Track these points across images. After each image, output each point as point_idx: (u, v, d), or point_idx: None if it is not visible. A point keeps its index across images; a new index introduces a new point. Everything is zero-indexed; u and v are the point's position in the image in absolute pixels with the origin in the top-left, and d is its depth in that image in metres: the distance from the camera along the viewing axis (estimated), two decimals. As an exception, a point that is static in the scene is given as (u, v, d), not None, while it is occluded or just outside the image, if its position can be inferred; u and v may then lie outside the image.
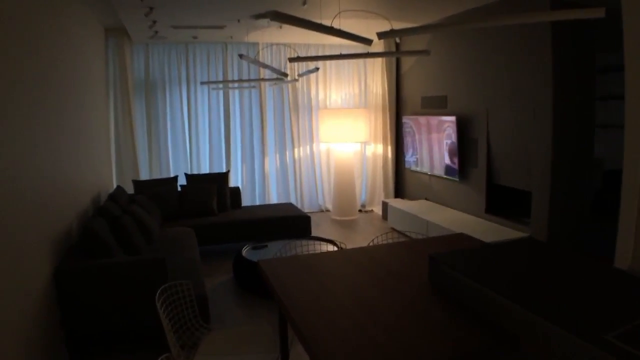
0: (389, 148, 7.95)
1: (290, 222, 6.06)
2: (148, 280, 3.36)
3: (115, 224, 4.01)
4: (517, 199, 5.98)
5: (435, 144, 6.68)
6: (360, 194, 8.33)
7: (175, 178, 6.28)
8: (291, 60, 3.68)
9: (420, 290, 2.47)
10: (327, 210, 8.27)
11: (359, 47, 7.79)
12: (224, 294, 4.69)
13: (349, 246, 6.05)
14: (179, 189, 6.24)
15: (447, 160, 6.48)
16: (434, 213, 6.46)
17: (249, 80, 6.10)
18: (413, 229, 6.46)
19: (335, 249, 4.99)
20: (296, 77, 6.76)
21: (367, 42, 3.44)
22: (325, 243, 5.20)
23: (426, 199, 7.35)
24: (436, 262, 2.50)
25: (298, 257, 3.10)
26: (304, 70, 5.71)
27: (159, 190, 5.98)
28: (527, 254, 2.76)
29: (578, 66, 5.10)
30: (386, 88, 7.82)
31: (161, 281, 3.34)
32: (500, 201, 6.10)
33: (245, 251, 5.04)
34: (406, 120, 7.38)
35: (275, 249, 5.08)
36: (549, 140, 5.11)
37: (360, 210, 8.22)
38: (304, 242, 5.30)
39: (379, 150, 8.14)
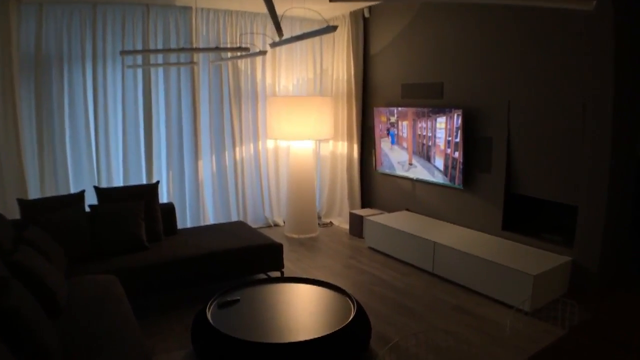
0: (355, 146, 6.42)
1: (254, 254, 4.32)
2: None
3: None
4: (544, 214, 4.75)
5: (424, 142, 5.26)
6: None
7: (81, 195, 4.24)
8: None
9: None
10: (276, 225, 6.58)
11: (327, 17, 6.18)
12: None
13: (337, 280, 4.47)
14: (88, 209, 4.23)
15: (445, 163, 5.09)
16: (432, 230, 5.05)
17: (200, 50, 4.15)
18: (407, 252, 5.01)
19: (348, 300, 3.38)
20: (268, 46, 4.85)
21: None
22: (326, 289, 3.56)
23: (407, 209, 5.93)
24: None
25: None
26: (285, 36, 3.69)
27: (59, 215, 3.93)
28: None
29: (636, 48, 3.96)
30: (352, 73, 6.26)
31: None
32: (521, 216, 4.85)
33: (210, 311, 3.26)
34: (380, 113, 5.89)
35: (250, 303, 3.35)
36: (607, 143, 3.92)
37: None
38: (289, 286, 3.62)
39: (340, 149, 6.58)
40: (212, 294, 4.19)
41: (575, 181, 4.15)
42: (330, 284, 3.63)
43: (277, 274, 4.51)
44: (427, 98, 5.44)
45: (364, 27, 6.27)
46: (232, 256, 4.18)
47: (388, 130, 5.76)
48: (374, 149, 6.16)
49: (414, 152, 5.42)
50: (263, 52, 4.22)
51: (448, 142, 5.00)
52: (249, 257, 4.27)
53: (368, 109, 6.39)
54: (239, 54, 4.72)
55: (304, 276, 4.67)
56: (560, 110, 4.19)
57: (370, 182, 6.54)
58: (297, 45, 6.43)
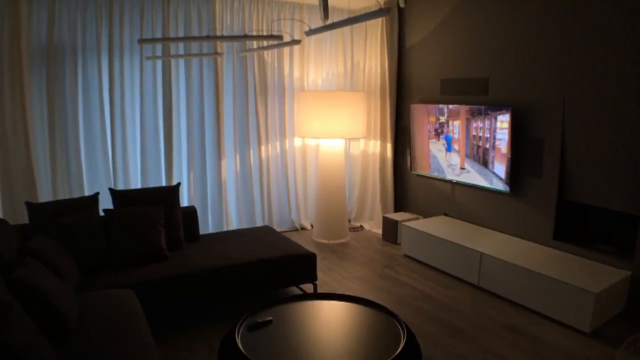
0: (389, 146, 5.99)
1: (285, 265, 3.92)
2: None
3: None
4: (597, 223, 4.28)
5: (480, 144, 4.81)
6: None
7: (95, 198, 3.87)
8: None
9: None
10: (303, 229, 6.18)
11: (355, 9, 5.79)
12: None
13: (375, 293, 3.93)
14: (102, 213, 3.87)
15: (491, 165, 4.64)
16: (476, 239, 4.61)
17: (227, 38, 3.75)
18: (449, 262, 4.58)
19: (395, 322, 2.97)
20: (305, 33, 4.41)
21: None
22: (370, 308, 3.15)
23: (445, 214, 5.49)
24: None
25: None
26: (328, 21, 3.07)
27: (70, 220, 3.59)
28: None
29: None
30: (386, 67, 5.82)
31: None
32: (572, 224, 4.39)
33: (239, 335, 2.87)
34: (428, 111, 5.43)
35: (284, 325, 2.95)
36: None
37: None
38: (327, 305, 3.22)
39: (372, 148, 6.16)
40: (239, 309, 3.83)
41: (638, 188, 3.69)
42: (374, 302, 3.21)
43: (309, 286, 4.12)
44: (471, 95, 4.99)
45: (399, 17, 5.82)
46: (261, 268, 3.79)
47: (437, 131, 5.26)
48: (409, 148, 5.72)
49: (466, 156, 4.95)
50: (296, 42, 3.81)
51: (494, 143, 4.54)
52: (280, 268, 3.87)
53: (402, 106, 5.95)
54: (266, 43, 4.32)
55: (338, 288, 4.30)
56: (622, 108, 3.72)
57: (404, 184, 6.10)
58: (327, 36, 6.01)
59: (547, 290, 3.73)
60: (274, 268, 3.84)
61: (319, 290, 4.15)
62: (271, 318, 3.04)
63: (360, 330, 2.92)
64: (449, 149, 5.12)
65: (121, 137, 4.95)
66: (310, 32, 3.35)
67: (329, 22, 2.93)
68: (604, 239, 4.17)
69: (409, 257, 5.14)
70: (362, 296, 3.29)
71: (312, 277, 4.03)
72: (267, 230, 4.61)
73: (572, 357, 3.18)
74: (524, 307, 3.93)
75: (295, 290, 4.22)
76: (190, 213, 4.33)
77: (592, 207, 4.15)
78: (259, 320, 3.01)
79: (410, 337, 2.81)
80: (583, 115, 4.00)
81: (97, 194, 3.89)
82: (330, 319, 3.05)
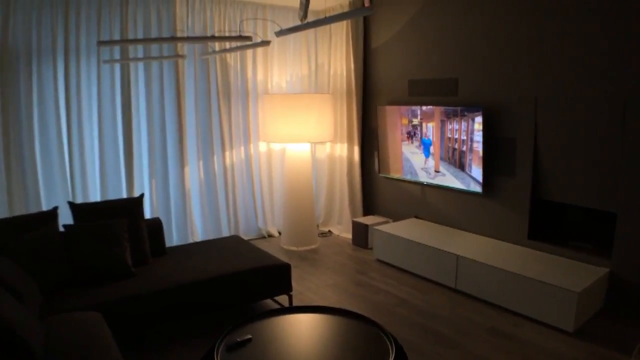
0: (356, 149, 5.88)
1: (259, 277, 3.74)
2: None
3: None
4: (571, 221, 4.31)
5: (455, 147, 4.75)
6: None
7: (54, 213, 3.58)
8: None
9: None
10: (271, 236, 6.00)
11: (318, 9, 5.67)
12: None
13: (352, 302, 3.70)
14: (62, 229, 3.59)
15: (468, 169, 4.61)
16: (450, 241, 4.57)
17: (193, 39, 3.51)
18: (424, 265, 4.51)
19: (382, 335, 2.84)
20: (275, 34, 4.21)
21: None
22: (353, 320, 3.01)
23: (416, 217, 5.43)
24: None
25: None
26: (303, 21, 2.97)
27: (28, 237, 3.29)
28: None
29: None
30: (351, 68, 5.72)
31: None
32: (546, 223, 4.40)
33: (219, 356, 2.68)
34: (401, 114, 5.34)
35: (265, 343, 2.78)
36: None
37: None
38: (308, 318, 3.06)
39: (338, 151, 6.04)
40: (213, 326, 3.63)
41: (614, 186, 3.72)
42: (356, 313, 3.08)
43: (284, 297, 3.96)
44: (440, 95, 4.94)
45: (364, 18, 5.73)
46: (234, 281, 3.59)
47: (410, 133, 5.17)
48: (377, 151, 5.64)
49: (441, 158, 4.88)
50: (266, 43, 3.65)
51: (466, 144, 4.50)
52: (254, 281, 3.69)
53: (369, 108, 5.87)
54: (229, 45, 4.13)
55: (314, 298, 4.16)
56: (594, 106, 3.74)
57: (372, 188, 6.01)
58: (291, 38, 5.86)
59: (527, 291, 3.70)
60: (247, 281, 3.66)
61: (294, 301, 4.00)
62: (250, 336, 2.86)
63: (347, 345, 2.78)
64: (426, 154, 5.02)
65: (78, 146, 4.64)
66: (281, 32, 3.19)
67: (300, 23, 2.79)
68: (579, 237, 4.19)
69: (381, 261, 5.05)
70: (339, 305, 3.16)
71: (287, 289, 3.86)
72: (236, 240, 4.42)
73: (560, 357, 3.15)
74: (504, 308, 3.90)
75: (270, 302, 4.05)
76: (156, 225, 4.09)
77: (566, 206, 4.17)
78: (238, 340, 2.82)
79: (399, 349, 2.70)
80: (555, 114, 4.01)
81: (56, 208, 3.61)
82: (313, 334, 2.90)
